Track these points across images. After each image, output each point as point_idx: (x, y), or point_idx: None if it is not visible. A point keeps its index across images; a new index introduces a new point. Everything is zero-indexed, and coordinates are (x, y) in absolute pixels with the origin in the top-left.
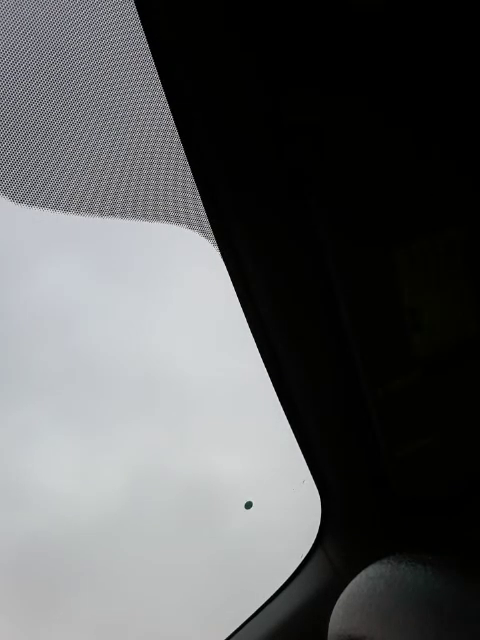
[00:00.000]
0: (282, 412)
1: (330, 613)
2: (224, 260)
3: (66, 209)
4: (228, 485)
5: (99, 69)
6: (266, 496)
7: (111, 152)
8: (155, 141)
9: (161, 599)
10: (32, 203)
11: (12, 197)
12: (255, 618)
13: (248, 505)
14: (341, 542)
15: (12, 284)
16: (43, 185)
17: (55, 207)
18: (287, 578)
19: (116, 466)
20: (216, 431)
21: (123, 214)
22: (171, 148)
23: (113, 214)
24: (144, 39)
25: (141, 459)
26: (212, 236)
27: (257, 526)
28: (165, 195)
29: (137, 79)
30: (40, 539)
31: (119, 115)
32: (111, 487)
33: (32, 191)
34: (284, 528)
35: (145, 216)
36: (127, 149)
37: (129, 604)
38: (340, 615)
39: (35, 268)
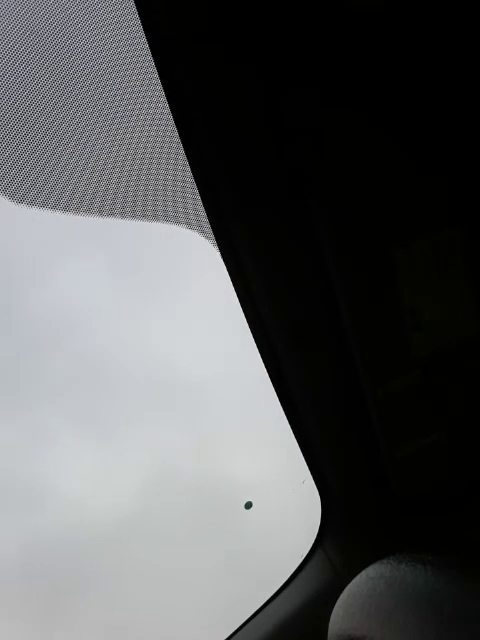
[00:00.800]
0: (282, 412)
1: (330, 613)
2: (224, 260)
3: (66, 209)
4: (228, 485)
5: (99, 69)
6: (266, 496)
7: (111, 152)
8: (155, 141)
9: (163, 600)
10: (32, 203)
11: (12, 197)
12: (255, 618)
13: (248, 505)
14: (341, 542)
15: (15, 287)
16: (43, 185)
17: (55, 207)
18: (287, 578)
19: (124, 468)
20: (215, 431)
21: (123, 214)
22: (171, 148)
23: (113, 214)
24: (144, 39)
25: (144, 460)
26: (212, 236)
27: (257, 526)
28: (165, 195)
29: (137, 79)
30: (51, 541)
31: (119, 115)
32: (120, 490)
33: (32, 191)
34: (284, 528)
35: (145, 216)
36: (127, 149)
37: (134, 605)
38: (340, 615)
39: (37, 269)
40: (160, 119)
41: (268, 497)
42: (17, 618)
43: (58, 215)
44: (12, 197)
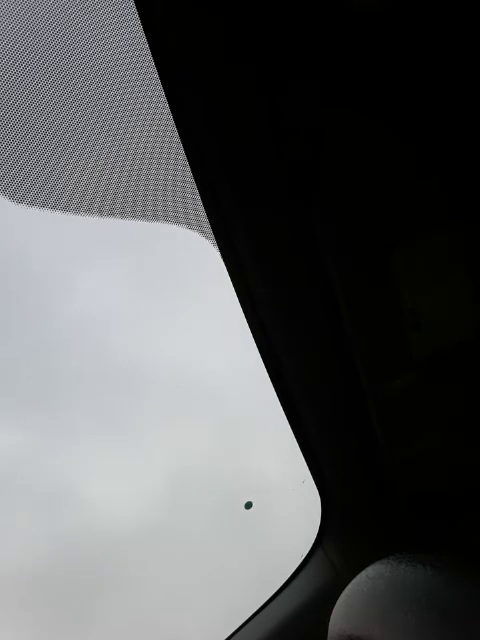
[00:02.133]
0: (282, 412)
1: (330, 613)
2: (224, 260)
3: (66, 209)
4: (228, 486)
5: (99, 69)
6: (266, 496)
7: (111, 152)
8: (155, 141)
9: (167, 600)
10: (32, 203)
11: (12, 197)
12: (255, 618)
13: (248, 505)
14: (341, 542)
15: (17, 293)
16: (43, 185)
17: (55, 207)
18: (287, 578)
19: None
20: (213, 431)
21: (123, 214)
22: (171, 148)
23: (113, 214)
24: (144, 39)
25: (147, 460)
26: (212, 236)
27: (256, 526)
28: (165, 195)
29: (137, 79)
30: (72, 544)
31: (119, 115)
32: (128, 491)
33: (32, 191)
34: (284, 528)
35: (145, 216)
36: (127, 149)
37: (139, 606)
38: (340, 615)
39: (36, 269)
40: (160, 119)
41: (268, 497)
42: (37, 621)
43: (58, 215)
44: (12, 197)
